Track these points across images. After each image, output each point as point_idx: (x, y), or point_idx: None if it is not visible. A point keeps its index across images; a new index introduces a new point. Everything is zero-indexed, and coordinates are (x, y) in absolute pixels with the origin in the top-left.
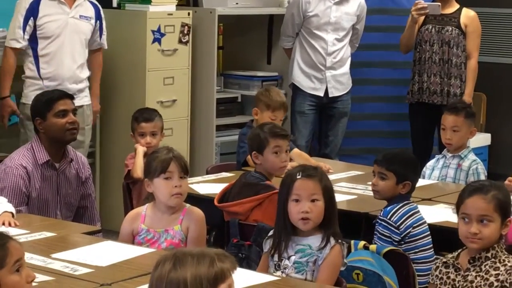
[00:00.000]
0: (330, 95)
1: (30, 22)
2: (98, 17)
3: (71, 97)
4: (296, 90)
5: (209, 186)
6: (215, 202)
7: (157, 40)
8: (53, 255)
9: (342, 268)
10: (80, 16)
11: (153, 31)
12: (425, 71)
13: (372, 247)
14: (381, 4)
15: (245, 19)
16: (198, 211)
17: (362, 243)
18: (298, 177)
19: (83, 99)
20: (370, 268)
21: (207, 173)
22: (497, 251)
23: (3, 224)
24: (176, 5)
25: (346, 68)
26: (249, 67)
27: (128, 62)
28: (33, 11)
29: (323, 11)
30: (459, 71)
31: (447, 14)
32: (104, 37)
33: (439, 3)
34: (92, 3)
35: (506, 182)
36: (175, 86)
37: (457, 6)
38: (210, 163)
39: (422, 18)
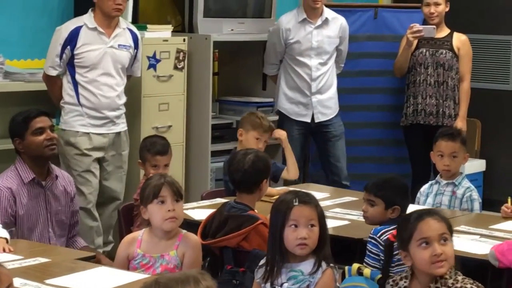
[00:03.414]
0: (316, 121)
1: (67, 51)
2: (136, 45)
3: (47, 114)
4: (282, 117)
5: (203, 211)
6: (199, 239)
7: (152, 66)
8: (47, 281)
9: None
10: (119, 45)
11: (148, 57)
12: (419, 93)
13: (366, 272)
14: (376, 31)
15: (240, 45)
16: (194, 237)
17: (355, 265)
18: (295, 203)
19: (120, 125)
20: None
21: (202, 198)
22: (445, 278)
23: None
24: (172, 32)
25: (332, 91)
26: (244, 93)
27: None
28: (71, 40)
29: (304, 37)
30: (453, 93)
31: (439, 38)
32: (136, 65)
33: (434, 26)
34: (131, 31)
35: (503, 208)
36: (171, 112)
37: (448, 30)
38: (205, 188)
39: (415, 42)
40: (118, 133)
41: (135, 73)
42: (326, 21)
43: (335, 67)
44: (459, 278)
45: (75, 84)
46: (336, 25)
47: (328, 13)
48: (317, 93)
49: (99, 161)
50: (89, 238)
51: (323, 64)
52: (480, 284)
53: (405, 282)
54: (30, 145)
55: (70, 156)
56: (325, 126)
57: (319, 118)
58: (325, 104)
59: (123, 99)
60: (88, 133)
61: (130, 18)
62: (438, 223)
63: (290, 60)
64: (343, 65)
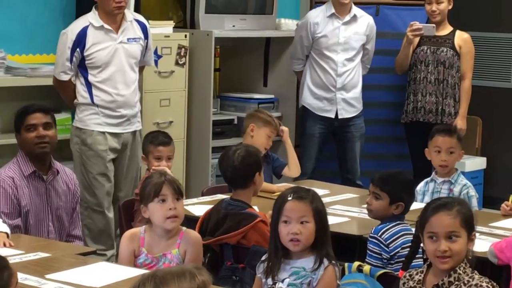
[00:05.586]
0: (340, 117)
1: (77, 54)
2: (146, 36)
3: (47, 110)
4: (306, 112)
5: (204, 207)
6: None
7: (154, 61)
8: (48, 276)
9: None
10: (128, 39)
11: None
12: (420, 91)
13: (366, 269)
14: (377, 28)
15: (241, 41)
16: (195, 234)
17: (356, 263)
18: (289, 198)
19: (136, 124)
20: None
21: (202, 194)
22: (459, 273)
23: None
24: (173, 27)
25: (357, 90)
26: (246, 89)
27: None
28: (80, 42)
29: (331, 31)
30: (453, 91)
31: (441, 35)
32: (148, 54)
33: (434, 25)
34: (139, 22)
35: (503, 205)
36: (172, 108)
37: (450, 28)
38: (205, 184)
39: (417, 39)
40: (133, 133)
41: (148, 63)
42: (354, 18)
43: (361, 67)
44: (476, 276)
45: (89, 85)
46: (364, 23)
47: (356, 10)
48: (342, 89)
49: (113, 160)
50: (100, 240)
51: (349, 60)
52: (495, 284)
53: (420, 276)
54: (23, 140)
55: (86, 157)
56: (347, 125)
57: (343, 115)
58: (350, 102)
59: (138, 95)
60: (103, 132)
61: None
62: (450, 220)
63: (316, 55)
64: (369, 66)
